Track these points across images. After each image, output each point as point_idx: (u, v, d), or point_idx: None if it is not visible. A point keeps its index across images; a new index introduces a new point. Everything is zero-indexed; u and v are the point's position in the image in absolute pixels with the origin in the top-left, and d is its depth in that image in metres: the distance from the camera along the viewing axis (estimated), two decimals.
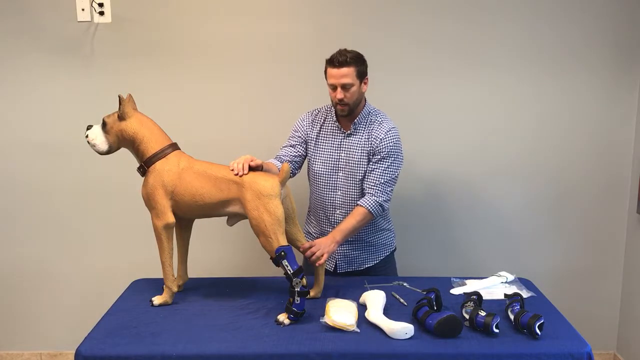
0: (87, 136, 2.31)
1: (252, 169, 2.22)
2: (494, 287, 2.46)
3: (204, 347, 1.96)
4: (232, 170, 2.21)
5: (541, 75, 3.04)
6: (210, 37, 3.02)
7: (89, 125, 2.32)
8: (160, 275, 2.46)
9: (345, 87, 2.39)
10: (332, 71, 2.39)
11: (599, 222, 3.18)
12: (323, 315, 2.10)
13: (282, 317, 2.11)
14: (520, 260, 3.20)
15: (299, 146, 2.59)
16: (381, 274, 2.67)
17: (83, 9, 2.97)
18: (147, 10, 3.00)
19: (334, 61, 2.38)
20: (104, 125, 2.29)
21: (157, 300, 2.29)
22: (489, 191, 3.15)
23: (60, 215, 3.18)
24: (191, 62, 3.04)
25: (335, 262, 2.66)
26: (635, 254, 3.11)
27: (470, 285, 2.47)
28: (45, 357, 3.34)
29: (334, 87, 2.41)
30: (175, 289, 2.32)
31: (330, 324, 2.04)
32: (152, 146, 2.26)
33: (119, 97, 2.28)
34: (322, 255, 2.31)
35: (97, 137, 2.29)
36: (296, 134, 2.61)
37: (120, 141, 2.30)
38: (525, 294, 2.38)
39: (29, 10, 3.00)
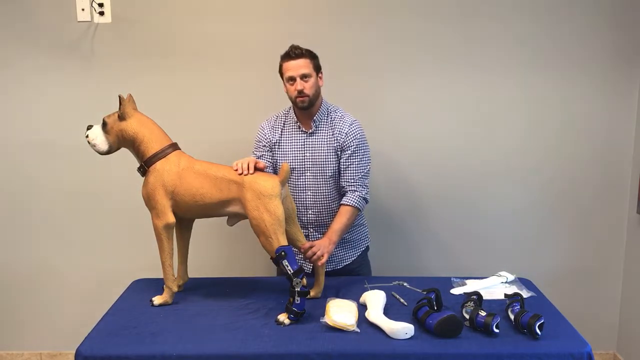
0: (87, 136, 2.31)
1: (257, 169, 2.23)
2: (494, 287, 2.46)
3: (204, 347, 1.96)
4: (236, 170, 2.21)
5: (541, 75, 3.03)
6: (210, 37, 3.02)
7: (89, 125, 2.32)
8: (160, 275, 2.47)
9: (304, 78, 2.43)
10: (290, 64, 2.44)
11: (599, 222, 3.18)
12: (323, 315, 2.10)
13: (282, 317, 2.11)
14: (520, 260, 3.20)
15: (265, 155, 2.58)
16: (357, 272, 2.67)
17: (83, 9, 2.97)
18: (147, 10, 3.00)
19: (290, 54, 2.44)
20: (104, 125, 2.29)
21: (157, 300, 2.29)
22: (489, 191, 3.15)
23: (60, 215, 3.18)
24: (191, 62, 3.04)
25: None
26: (635, 254, 3.11)
27: (470, 285, 2.47)
28: (45, 357, 3.34)
29: (292, 80, 2.44)
30: (175, 289, 2.32)
31: (330, 324, 2.04)
32: (152, 146, 2.26)
33: (119, 97, 2.28)
34: (322, 255, 2.31)
35: (97, 137, 2.30)
36: (259, 144, 2.60)
37: (121, 141, 2.30)
38: (525, 294, 2.38)
39: (29, 10, 3.00)
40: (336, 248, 2.62)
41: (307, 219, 2.59)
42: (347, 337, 2.00)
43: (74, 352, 1.97)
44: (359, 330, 2.04)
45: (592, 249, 3.21)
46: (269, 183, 2.16)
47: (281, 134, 2.57)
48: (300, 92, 2.43)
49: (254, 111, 3.08)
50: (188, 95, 3.07)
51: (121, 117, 2.28)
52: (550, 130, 3.09)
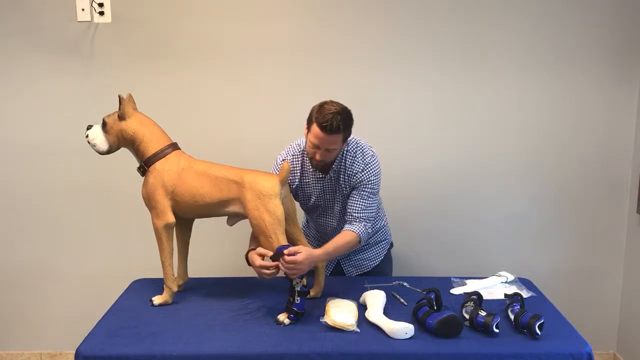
0: (87, 136, 2.31)
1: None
2: (494, 287, 2.46)
3: (204, 347, 1.96)
4: None
5: (542, 76, 3.03)
6: (210, 37, 3.02)
7: (89, 125, 2.32)
8: (160, 275, 2.47)
9: (328, 151, 2.28)
10: (321, 135, 2.21)
11: (599, 222, 3.18)
12: (323, 315, 2.10)
13: (282, 317, 2.11)
14: (520, 260, 3.20)
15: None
16: (384, 271, 2.67)
17: (83, 9, 2.97)
18: (147, 11, 3.00)
19: (327, 127, 2.18)
20: (104, 125, 2.29)
21: (157, 300, 2.29)
22: (489, 191, 3.15)
23: (60, 215, 3.18)
24: (191, 62, 3.04)
25: (341, 267, 2.66)
26: (635, 254, 3.11)
27: (470, 285, 2.47)
28: (45, 357, 3.34)
29: (315, 147, 2.27)
30: (175, 289, 2.32)
31: (330, 324, 2.04)
32: (152, 146, 2.26)
33: (119, 97, 2.28)
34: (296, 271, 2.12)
35: (97, 137, 2.30)
36: None
37: (121, 141, 2.30)
38: (525, 294, 2.38)
39: (29, 10, 2.99)
40: (362, 252, 2.63)
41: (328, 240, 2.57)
42: (347, 337, 2.00)
43: (74, 352, 1.97)
44: (359, 330, 2.04)
45: (592, 249, 3.21)
46: (269, 183, 2.16)
47: (300, 178, 2.48)
48: (320, 161, 2.32)
49: (254, 111, 3.09)
50: (188, 95, 3.07)
51: (121, 117, 2.28)
52: (550, 130, 3.09)
